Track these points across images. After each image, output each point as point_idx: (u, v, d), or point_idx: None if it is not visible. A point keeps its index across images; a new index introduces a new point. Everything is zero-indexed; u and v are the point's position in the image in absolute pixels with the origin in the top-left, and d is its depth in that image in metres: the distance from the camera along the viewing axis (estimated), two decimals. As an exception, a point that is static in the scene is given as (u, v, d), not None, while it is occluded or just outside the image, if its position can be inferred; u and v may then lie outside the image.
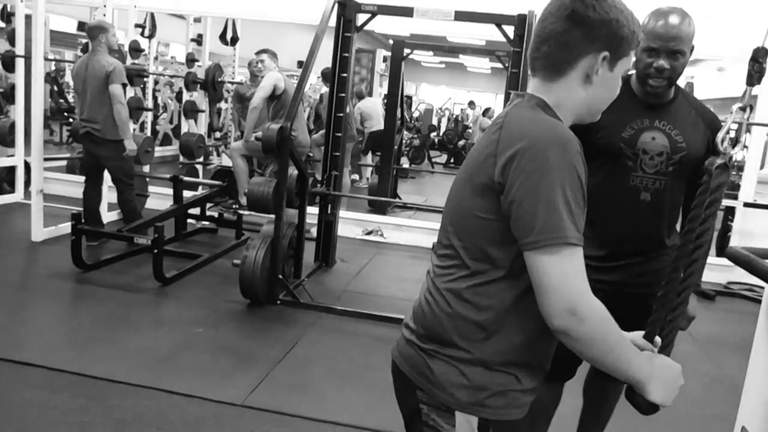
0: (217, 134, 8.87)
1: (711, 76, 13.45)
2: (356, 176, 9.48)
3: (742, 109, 1.17)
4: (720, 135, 1.19)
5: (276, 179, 3.95)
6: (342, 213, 5.33)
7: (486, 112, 14.48)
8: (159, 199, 5.77)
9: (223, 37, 7.54)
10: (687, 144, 1.85)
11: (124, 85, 4.71)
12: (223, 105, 8.91)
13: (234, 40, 7.62)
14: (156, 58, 9.40)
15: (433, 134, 14.58)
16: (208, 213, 5.69)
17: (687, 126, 1.87)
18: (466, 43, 13.91)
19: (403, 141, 9.68)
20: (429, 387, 1.16)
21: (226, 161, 7.29)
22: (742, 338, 1.40)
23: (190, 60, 7.66)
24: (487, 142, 1.13)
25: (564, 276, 1.00)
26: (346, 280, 4.75)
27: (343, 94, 4.73)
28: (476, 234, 1.12)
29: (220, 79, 7.23)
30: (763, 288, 1.40)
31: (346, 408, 2.78)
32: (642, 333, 1.27)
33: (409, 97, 11.92)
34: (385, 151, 7.41)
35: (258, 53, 5.55)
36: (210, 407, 2.66)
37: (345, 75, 4.71)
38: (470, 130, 14.48)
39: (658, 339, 1.26)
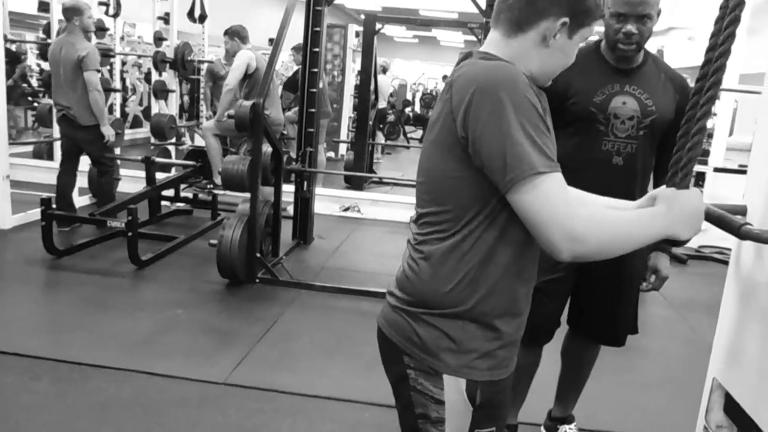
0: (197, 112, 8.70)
1: (681, 44, 13.58)
2: (332, 153, 9.44)
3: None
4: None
5: (250, 157, 3.91)
6: (318, 190, 5.31)
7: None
8: (131, 182, 5.68)
9: (191, 14, 7.38)
10: (657, 108, 1.87)
11: (98, 71, 4.61)
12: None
13: (202, 18, 7.47)
14: (122, 38, 9.18)
15: (407, 109, 14.55)
16: (182, 194, 5.63)
17: (657, 90, 1.89)
18: (439, 16, 13.84)
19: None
20: (416, 352, 1.18)
21: (199, 141, 7.20)
22: (714, 300, 1.44)
23: (158, 39, 7.50)
24: (442, 105, 1.13)
25: (547, 207, 1.01)
26: (325, 256, 4.75)
27: (316, 70, 4.68)
28: (454, 194, 1.12)
29: (189, 58, 7.10)
30: (731, 250, 1.44)
31: (330, 381, 2.80)
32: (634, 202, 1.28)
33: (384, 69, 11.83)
34: (360, 126, 7.38)
35: (224, 34, 5.45)
36: (193, 387, 2.66)
37: (317, 50, 4.66)
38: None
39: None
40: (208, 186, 5.54)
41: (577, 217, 1.01)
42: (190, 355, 2.95)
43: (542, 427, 2.45)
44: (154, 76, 7.47)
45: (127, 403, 2.50)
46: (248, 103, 3.78)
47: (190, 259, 4.38)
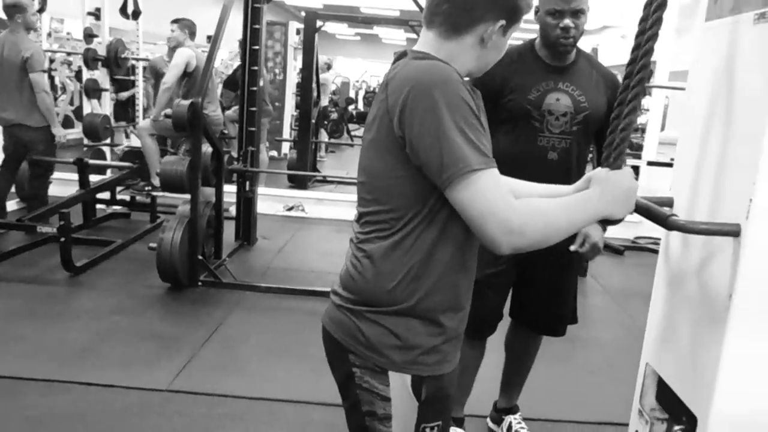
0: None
1: (615, 43, 14.05)
2: (275, 152, 9.33)
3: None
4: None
5: (189, 158, 3.82)
6: (261, 190, 5.24)
7: (402, 83, 14.53)
8: (63, 185, 5.45)
9: (123, 10, 7.13)
10: (589, 104, 1.93)
11: (44, 71, 4.43)
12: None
13: (136, 14, 7.22)
14: (50, 35, 8.80)
15: (351, 107, 14.52)
16: (119, 197, 5.45)
17: (589, 86, 1.95)
18: (381, 14, 13.86)
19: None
20: (361, 350, 1.18)
21: (135, 142, 6.97)
22: (650, 289, 1.51)
23: (88, 35, 7.20)
24: (378, 105, 1.14)
25: (484, 203, 1.03)
26: (270, 257, 4.70)
27: (256, 68, 4.62)
28: (395, 193, 1.13)
29: (123, 56, 6.87)
30: (665, 239, 1.50)
31: (278, 383, 2.77)
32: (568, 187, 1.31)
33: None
34: (302, 125, 7.32)
35: (172, 22, 5.27)
36: (134, 395, 2.58)
37: (257, 48, 4.59)
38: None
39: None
40: (146, 188, 5.38)
41: (513, 210, 1.03)
42: (131, 364, 2.86)
43: (488, 419, 2.49)
44: (85, 75, 7.18)
45: (63, 417, 2.41)
46: (186, 102, 3.69)
47: (128, 264, 4.25)
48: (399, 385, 1.17)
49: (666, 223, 1.21)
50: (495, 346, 2.33)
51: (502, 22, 1.14)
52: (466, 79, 1.18)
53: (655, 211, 1.22)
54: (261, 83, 4.71)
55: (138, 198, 5.49)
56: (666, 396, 1.51)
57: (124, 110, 8.02)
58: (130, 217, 5.45)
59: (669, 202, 1.49)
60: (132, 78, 7.59)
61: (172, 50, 5.25)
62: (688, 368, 1.41)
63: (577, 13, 1.86)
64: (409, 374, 1.17)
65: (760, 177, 1.16)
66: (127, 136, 7.95)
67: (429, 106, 1.04)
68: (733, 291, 1.22)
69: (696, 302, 1.37)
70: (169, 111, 3.83)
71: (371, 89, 17.46)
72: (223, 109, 7.07)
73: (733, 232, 1.19)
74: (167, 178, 3.86)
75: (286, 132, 9.51)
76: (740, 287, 1.21)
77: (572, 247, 2.02)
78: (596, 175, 1.19)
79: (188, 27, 5.14)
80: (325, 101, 9.19)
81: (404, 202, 1.12)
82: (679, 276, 1.47)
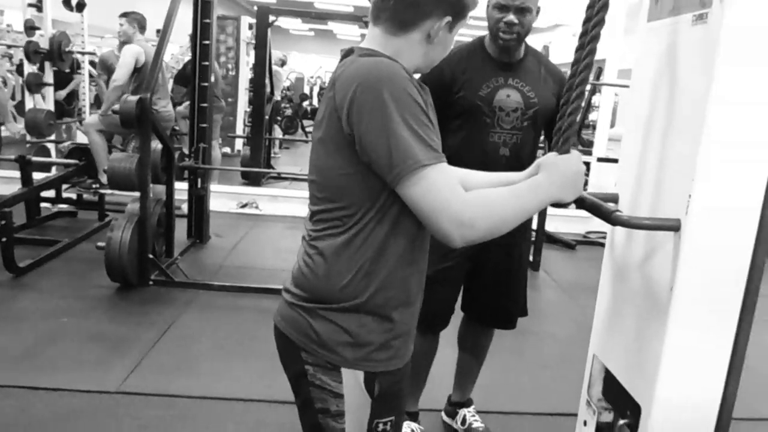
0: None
1: (567, 41, 14.34)
2: (228, 149, 9.20)
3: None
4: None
5: (138, 154, 3.73)
6: (214, 187, 5.16)
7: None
8: (3, 183, 5.25)
9: (67, 2, 6.89)
10: (539, 99, 1.97)
11: None
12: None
13: (80, 6, 6.99)
14: (-11, 27, 8.43)
15: (305, 103, 14.41)
16: (65, 195, 5.28)
17: (537, 82, 1.99)
18: (334, 9, 13.80)
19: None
20: (314, 347, 1.17)
21: (81, 138, 6.76)
22: (601, 283, 1.58)
23: (30, 28, 6.94)
24: (326, 103, 1.14)
25: (435, 198, 1.03)
26: (223, 255, 4.63)
27: (207, 63, 4.53)
28: (346, 191, 1.13)
29: (67, 49, 6.64)
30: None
31: (231, 382, 2.73)
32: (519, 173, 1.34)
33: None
34: (256, 121, 7.23)
35: (120, 16, 5.12)
36: (83, 398, 2.51)
37: (207, 42, 4.51)
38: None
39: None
40: (94, 186, 5.22)
41: (464, 203, 1.04)
42: (79, 366, 2.78)
43: (442, 413, 2.52)
44: (27, 68, 6.91)
45: (7, 422, 2.32)
46: (134, 98, 3.60)
47: (75, 264, 4.12)
48: (352, 382, 1.18)
49: (610, 218, 1.25)
50: (449, 341, 2.36)
51: (449, 18, 1.15)
52: (417, 76, 1.19)
53: (600, 207, 1.26)
54: (213, 79, 4.63)
55: (85, 196, 5.33)
56: (612, 390, 1.55)
57: (63, 106, 7.75)
58: (77, 215, 5.28)
59: (614, 198, 1.54)
60: (75, 74, 7.33)
61: (122, 44, 5.11)
62: (633, 359, 1.46)
63: (523, 11, 1.89)
64: (361, 371, 1.18)
65: (698, 174, 1.20)
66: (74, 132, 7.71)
67: (376, 102, 1.04)
68: (674, 284, 1.26)
69: (640, 295, 1.42)
70: (117, 107, 3.72)
71: (326, 85, 17.35)
72: (175, 104, 6.92)
73: (673, 227, 1.24)
74: (116, 176, 3.77)
75: (240, 128, 9.37)
76: (681, 280, 1.26)
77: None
78: (545, 160, 1.22)
79: (137, 21, 5.01)
80: (277, 95, 9.08)
81: (355, 199, 1.12)
82: (623, 270, 1.51)
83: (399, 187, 1.05)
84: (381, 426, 1.20)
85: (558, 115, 1.29)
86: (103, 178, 4.89)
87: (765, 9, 1.15)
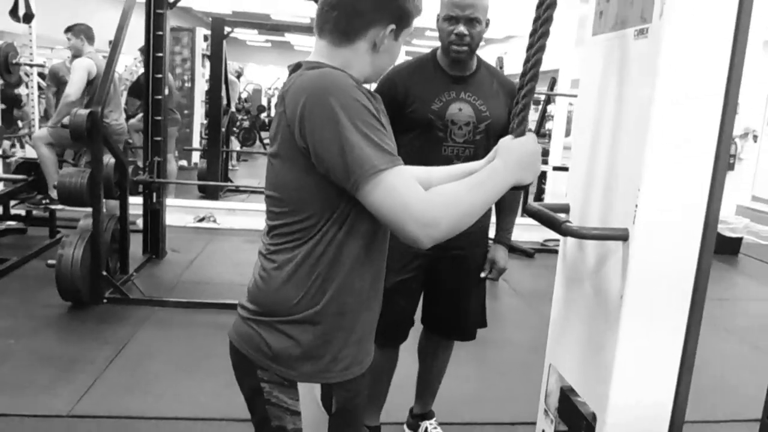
0: (20, 123, 7.93)
1: (521, 52, 14.60)
2: (184, 162, 9.05)
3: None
4: None
5: (90, 169, 3.64)
6: (170, 201, 5.07)
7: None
8: (-52, 200, 5.05)
9: (14, 13, 6.69)
10: (490, 112, 2.00)
11: None
12: (23, 90, 7.96)
13: (28, 17, 6.79)
14: (-68, 39, 8.11)
15: (263, 115, 14.31)
16: (13, 211, 5.10)
17: (490, 96, 2.01)
18: (291, 21, 13.76)
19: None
20: (269, 363, 1.16)
21: (30, 153, 6.55)
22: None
23: (-24, 40, 6.72)
24: (278, 118, 1.13)
25: (396, 202, 1.03)
26: (179, 270, 4.54)
27: (160, 75, 4.46)
28: (304, 204, 1.12)
29: (15, 61, 6.44)
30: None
31: (189, 401, 2.67)
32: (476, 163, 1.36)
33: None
34: (212, 133, 7.14)
35: (66, 31, 4.99)
36: (31, 424, 2.42)
37: (161, 55, 4.44)
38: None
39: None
40: (43, 201, 5.06)
41: (425, 203, 1.04)
42: (27, 389, 2.67)
43: (405, 426, 2.51)
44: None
45: (-50, 451, 2.22)
46: (84, 112, 3.51)
47: (24, 283, 3.98)
48: (308, 399, 1.16)
49: (560, 229, 1.27)
50: (409, 353, 2.36)
51: (392, 26, 1.16)
52: (372, 86, 1.20)
53: (550, 218, 1.28)
54: (167, 91, 4.55)
55: (35, 212, 5.17)
56: (566, 406, 1.57)
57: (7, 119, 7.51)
58: (26, 232, 5.11)
59: (566, 208, 1.57)
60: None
61: (74, 58, 4.99)
62: (587, 366, 1.48)
63: (472, 21, 1.91)
64: (318, 383, 1.16)
65: (644, 184, 1.24)
66: (22, 146, 7.47)
67: (326, 112, 1.04)
68: (624, 292, 1.29)
69: (592, 303, 1.45)
70: (66, 121, 3.62)
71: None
72: (128, 117, 6.78)
73: (621, 236, 1.27)
74: (66, 191, 3.66)
75: (196, 141, 9.24)
76: (630, 288, 1.29)
77: (482, 275, 2.16)
78: (500, 145, 1.23)
79: (83, 32, 4.89)
80: (233, 106, 8.98)
81: (316, 209, 1.12)
82: (576, 279, 1.54)
83: (359, 194, 1.05)
84: None
85: (515, 100, 1.31)
86: (53, 193, 4.75)
87: (701, 23, 1.19)
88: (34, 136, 5.05)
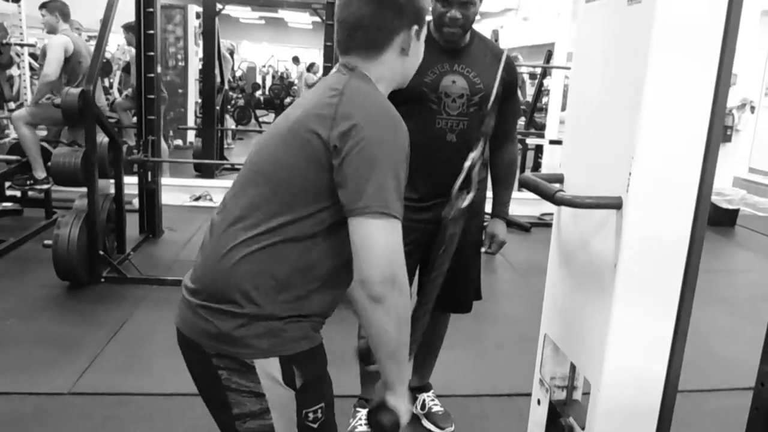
0: (12, 105, 7.87)
1: (517, 25, 14.49)
2: (180, 141, 9.00)
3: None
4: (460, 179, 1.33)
5: (77, 147, 3.62)
6: (166, 180, 5.05)
7: (310, 67, 14.36)
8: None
9: (3, -8, 6.61)
10: (484, 85, 1.98)
11: None
12: (15, 71, 7.90)
13: (17, -3, 6.72)
14: None
15: (257, 93, 14.21)
16: (8, 193, 5.09)
17: (483, 67, 1.99)
18: (284, -4, 13.58)
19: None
20: (222, 347, 1.12)
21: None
22: (552, 263, 1.61)
23: (-34, 20, 6.65)
24: (322, 104, 1.13)
25: (389, 245, 1.06)
26: (176, 249, 4.54)
27: (152, 53, 4.40)
28: (289, 189, 1.12)
29: (5, 41, 6.38)
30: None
31: (184, 378, 2.62)
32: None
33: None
34: (207, 112, 7.09)
35: (40, 7, 4.88)
36: (32, 401, 2.44)
37: (152, 32, 4.38)
38: (296, 87, 14.29)
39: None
40: (28, 182, 5.02)
41: (405, 273, 1.08)
42: (27, 369, 2.69)
43: (402, 398, 2.53)
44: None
45: (-49, 430, 2.24)
46: (76, 91, 3.48)
47: (21, 264, 3.98)
48: (269, 381, 1.13)
49: (553, 198, 1.27)
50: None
51: (415, 27, 1.19)
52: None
53: (543, 187, 1.27)
54: (159, 69, 4.51)
55: (30, 193, 5.15)
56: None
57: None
58: (22, 213, 5.10)
59: (560, 179, 1.56)
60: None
61: (49, 34, 4.91)
62: (581, 336, 1.49)
63: (466, 4, 1.89)
64: (277, 357, 1.12)
65: (637, 152, 1.23)
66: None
67: (377, 141, 1.07)
68: (617, 260, 1.29)
69: (586, 273, 1.45)
70: (57, 100, 3.58)
71: (278, 74, 17.13)
72: (127, 96, 6.72)
73: (615, 204, 1.26)
74: (60, 171, 3.64)
75: (191, 120, 9.18)
76: (623, 256, 1.29)
77: (483, 249, 2.19)
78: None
79: (58, 9, 4.77)
80: (225, 83, 8.88)
81: (297, 201, 1.11)
82: (570, 250, 1.54)
83: (358, 217, 1.05)
84: (311, 415, 1.17)
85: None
86: (39, 174, 4.72)
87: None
88: (13, 116, 4.98)
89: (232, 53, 10.77)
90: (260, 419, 1.15)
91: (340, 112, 1.09)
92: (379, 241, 1.05)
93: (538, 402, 1.77)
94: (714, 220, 5.82)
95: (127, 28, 6.26)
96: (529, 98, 8.98)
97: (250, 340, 1.11)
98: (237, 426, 1.16)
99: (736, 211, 6.10)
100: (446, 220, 1.45)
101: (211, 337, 1.13)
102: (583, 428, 1.50)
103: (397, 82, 1.25)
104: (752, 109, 6.82)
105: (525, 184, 1.29)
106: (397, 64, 1.21)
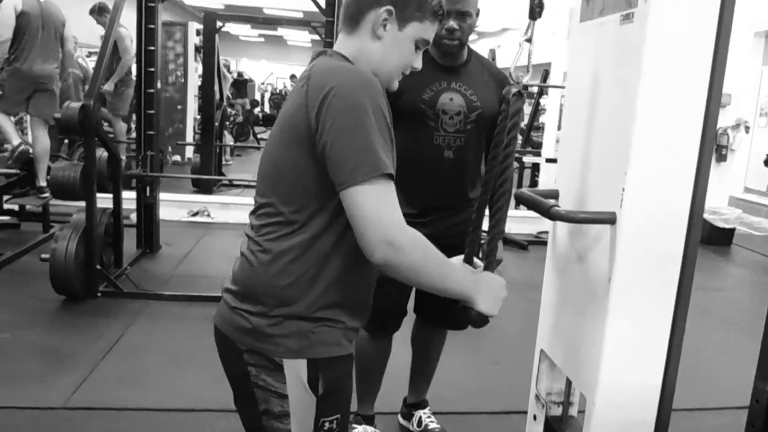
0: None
1: (514, 45, 14.59)
2: (178, 156, 9.03)
3: (528, 41, 1.31)
4: (512, 66, 1.32)
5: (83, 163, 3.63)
6: (164, 195, 5.05)
7: (308, 85, 14.50)
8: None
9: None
10: (481, 103, 2.00)
11: None
12: None
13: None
14: None
15: (256, 109, 14.30)
16: (6, 206, 5.09)
17: (480, 86, 2.02)
18: (283, 15, 13.72)
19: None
20: (254, 344, 1.16)
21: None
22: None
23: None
24: (296, 96, 1.15)
25: (378, 208, 1.04)
26: (173, 264, 4.54)
27: (153, 69, 4.44)
28: (295, 186, 1.13)
29: None
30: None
31: (180, 393, 2.68)
32: (462, 257, 1.38)
33: (241, 76, 11.57)
34: (205, 128, 7.13)
35: None
36: (26, 415, 2.43)
37: (152, 48, 4.43)
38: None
39: (477, 261, 1.38)
40: (30, 191, 5.01)
41: (402, 228, 1.06)
42: (22, 382, 2.68)
43: (399, 415, 2.52)
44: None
45: (-56, 443, 2.23)
46: (77, 105, 3.50)
47: (18, 277, 3.98)
48: (294, 380, 1.16)
49: (548, 213, 1.28)
50: (403, 343, 2.37)
51: (389, 7, 1.16)
52: None
53: (538, 203, 1.29)
54: (158, 85, 4.54)
55: (28, 207, 5.15)
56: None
57: None
58: (20, 227, 5.10)
59: (555, 194, 1.58)
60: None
61: None
62: (576, 351, 1.49)
63: (463, 15, 1.91)
64: (305, 359, 1.15)
65: (631, 167, 1.25)
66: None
67: (350, 105, 1.06)
68: (611, 274, 1.31)
69: (581, 288, 1.46)
70: (58, 115, 3.56)
71: (277, 91, 17.24)
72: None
73: (609, 219, 1.28)
74: (59, 184, 3.65)
75: (189, 135, 9.22)
76: (618, 270, 1.30)
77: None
78: (484, 276, 1.25)
79: None
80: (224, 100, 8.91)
81: (306, 198, 1.13)
82: (565, 265, 1.55)
83: (350, 188, 1.04)
84: (327, 425, 1.19)
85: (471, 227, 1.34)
86: (40, 182, 4.71)
87: (686, 7, 1.21)
88: (33, 120, 5.00)
89: (228, 70, 10.83)
90: (280, 422, 1.18)
91: (310, 94, 1.10)
92: (366, 208, 1.04)
93: (534, 418, 1.77)
94: (710, 239, 5.84)
95: (100, 11, 6.25)
96: (526, 117, 9.04)
97: (281, 339, 1.15)
98: (263, 421, 1.19)
99: (732, 230, 6.13)
100: (507, 96, 1.33)
101: (244, 332, 1.17)
102: (578, 443, 1.50)
103: (374, 71, 1.19)
104: (747, 129, 6.88)
105: (520, 200, 1.31)
106: (371, 47, 1.19)
